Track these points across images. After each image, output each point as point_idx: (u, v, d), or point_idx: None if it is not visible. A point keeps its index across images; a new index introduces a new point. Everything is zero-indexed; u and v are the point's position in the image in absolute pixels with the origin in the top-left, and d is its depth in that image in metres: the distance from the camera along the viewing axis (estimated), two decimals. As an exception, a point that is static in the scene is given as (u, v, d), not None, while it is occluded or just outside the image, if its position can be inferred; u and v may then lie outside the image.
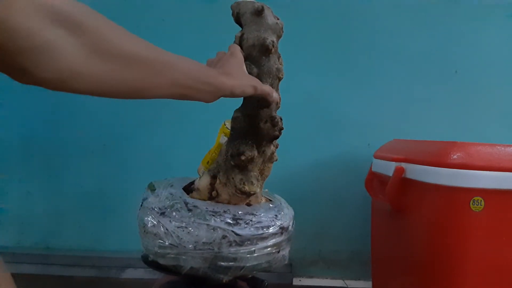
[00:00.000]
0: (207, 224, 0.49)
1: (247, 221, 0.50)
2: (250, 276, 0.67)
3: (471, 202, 0.61)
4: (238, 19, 0.58)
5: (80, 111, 1.09)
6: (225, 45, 0.56)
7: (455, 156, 0.62)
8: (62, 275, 1.04)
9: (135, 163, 1.09)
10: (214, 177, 0.57)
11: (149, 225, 0.51)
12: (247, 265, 0.50)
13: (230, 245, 0.49)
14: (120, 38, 0.32)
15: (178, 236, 0.49)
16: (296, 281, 1.06)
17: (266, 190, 0.68)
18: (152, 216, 0.52)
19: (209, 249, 0.48)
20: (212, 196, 0.57)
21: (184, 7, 1.08)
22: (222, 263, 0.49)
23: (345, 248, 1.09)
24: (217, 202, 0.56)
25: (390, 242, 0.82)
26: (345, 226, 1.08)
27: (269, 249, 0.51)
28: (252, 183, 0.54)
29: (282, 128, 0.55)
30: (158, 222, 0.50)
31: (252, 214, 0.52)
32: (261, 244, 0.50)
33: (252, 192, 0.53)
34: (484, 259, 0.62)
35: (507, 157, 0.62)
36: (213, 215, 0.50)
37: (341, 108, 1.08)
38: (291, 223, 0.57)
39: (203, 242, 0.48)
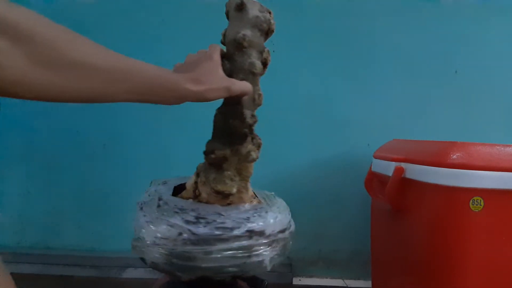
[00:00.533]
0: (167, 221, 0.49)
1: (210, 221, 0.49)
2: (250, 275, 0.67)
3: (471, 202, 0.61)
4: (228, 17, 0.58)
5: (80, 111, 1.10)
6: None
7: (454, 156, 0.62)
8: (62, 275, 1.04)
9: (135, 163, 1.09)
10: (198, 176, 0.57)
11: (133, 219, 0.53)
12: (204, 265, 0.49)
13: (185, 243, 0.48)
14: (71, 47, 0.32)
15: (144, 229, 0.49)
16: (296, 281, 1.06)
17: (273, 193, 0.67)
18: (136, 211, 0.53)
19: (164, 245, 0.48)
20: (196, 195, 0.56)
21: (184, 7, 1.09)
22: (177, 261, 0.48)
23: (345, 248, 1.09)
24: (199, 201, 0.55)
25: (389, 242, 0.82)
26: (345, 226, 1.09)
27: (232, 252, 0.49)
28: (225, 182, 0.53)
29: (250, 125, 0.54)
30: (137, 216, 0.52)
31: (219, 214, 0.51)
32: (221, 246, 0.48)
33: (226, 192, 0.53)
34: (484, 258, 0.62)
35: (506, 157, 0.62)
36: (177, 212, 0.50)
37: (341, 108, 1.08)
38: (273, 229, 0.54)
39: (161, 238, 0.48)
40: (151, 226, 0.49)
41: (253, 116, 0.55)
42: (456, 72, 1.09)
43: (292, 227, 0.58)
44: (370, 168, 0.90)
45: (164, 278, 0.74)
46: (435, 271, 0.64)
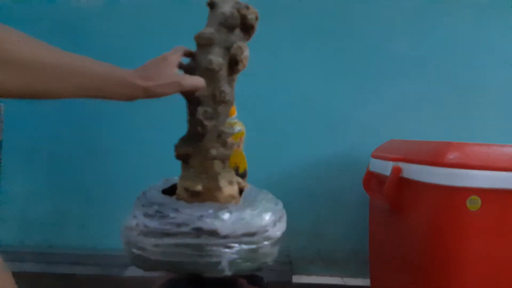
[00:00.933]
0: (134, 212, 0.53)
1: (164, 215, 0.51)
2: (249, 274, 0.67)
3: (468, 201, 0.61)
4: None
5: (81, 111, 1.10)
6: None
7: (452, 156, 0.63)
8: (64, 273, 1.05)
9: (136, 162, 1.10)
10: None
11: None
12: (154, 258, 0.51)
13: (138, 234, 0.51)
14: (17, 46, 0.34)
15: (125, 220, 0.54)
16: (295, 279, 1.07)
17: (269, 194, 0.67)
18: None
19: (125, 234, 0.52)
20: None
21: (187, 8, 1.09)
22: (135, 251, 0.52)
23: (343, 246, 1.10)
24: (178, 198, 0.57)
25: (388, 241, 0.83)
26: (343, 225, 1.09)
27: (180, 248, 0.49)
28: (190, 180, 0.55)
29: (201, 121, 0.55)
30: None
31: (176, 210, 0.52)
32: (167, 241, 0.49)
33: (191, 189, 0.54)
34: (481, 257, 0.62)
35: (503, 157, 0.63)
36: (144, 206, 0.53)
37: (339, 108, 1.08)
38: (233, 231, 0.52)
39: (126, 227, 0.52)
40: (126, 217, 0.54)
41: (206, 112, 0.56)
42: (454, 72, 1.09)
43: (272, 233, 0.54)
44: (368, 167, 0.90)
45: (165, 277, 0.75)
46: (433, 269, 0.65)
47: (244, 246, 0.52)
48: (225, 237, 0.51)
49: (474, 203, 0.61)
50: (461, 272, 0.63)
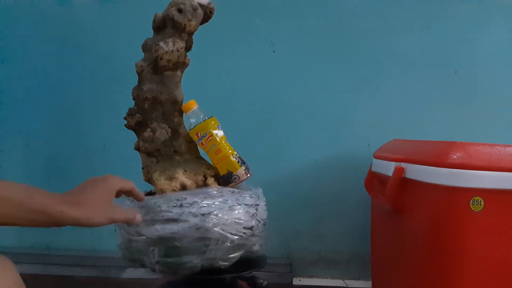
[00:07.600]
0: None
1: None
2: (249, 276, 0.67)
3: (471, 202, 0.60)
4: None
5: (80, 111, 1.10)
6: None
7: (454, 156, 0.62)
8: (62, 275, 1.04)
9: (135, 163, 1.09)
10: None
11: None
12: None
13: None
14: None
15: None
16: (296, 281, 1.06)
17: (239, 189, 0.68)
18: None
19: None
20: None
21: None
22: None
23: (345, 248, 1.09)
24: None
25: (390, 242, 0.82)
26: (345, 226, 1.09)
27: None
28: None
29: (126, 117, 0.69)
30: None
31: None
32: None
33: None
34: (484, 259, 0.62)
35: (506, 157, 0.62)
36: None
37: (341, 108, 1.08)
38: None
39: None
40: None
41: (129, 109, 0.68)
42: (456, 72, 1.08)
43: (145, 231, 0.57)
44: (370, 168, 0.90)
45: (164, 278, 0.74)
46: (435, 271, 0.64)
47: (123, 234, 0.63)
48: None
49: (477, 204, 0.61)
50: (464, 273, 0.62)
